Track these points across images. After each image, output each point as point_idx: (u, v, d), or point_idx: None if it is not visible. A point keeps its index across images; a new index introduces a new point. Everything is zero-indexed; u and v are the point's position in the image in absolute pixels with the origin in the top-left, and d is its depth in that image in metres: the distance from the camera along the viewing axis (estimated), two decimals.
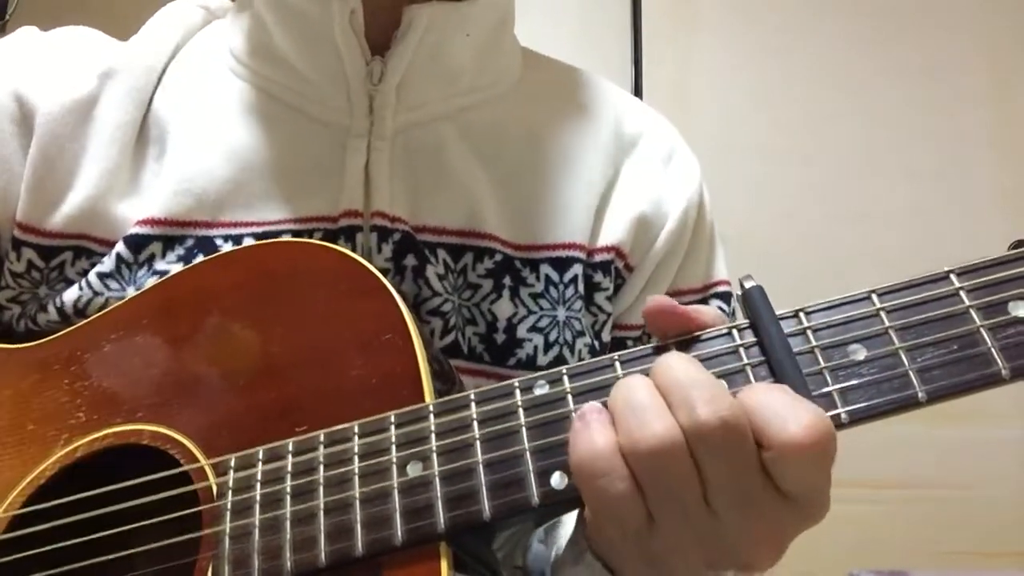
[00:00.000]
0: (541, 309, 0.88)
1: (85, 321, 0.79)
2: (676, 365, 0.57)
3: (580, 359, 0.88)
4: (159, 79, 0.90)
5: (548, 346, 0.87)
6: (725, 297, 0.98)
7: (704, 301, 0.97)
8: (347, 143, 0.87)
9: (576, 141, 0.95)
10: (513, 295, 0.88)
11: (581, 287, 0.90)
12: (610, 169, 0.95)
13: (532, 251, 0.90)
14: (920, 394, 0.55)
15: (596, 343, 0.91)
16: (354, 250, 0.82)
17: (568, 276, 0.89)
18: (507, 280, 0.88)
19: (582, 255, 0.90)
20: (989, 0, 2.47)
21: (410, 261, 0.84)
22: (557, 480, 0.58)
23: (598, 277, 0.91)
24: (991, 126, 2.41)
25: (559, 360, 0.87)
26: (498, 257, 0.88)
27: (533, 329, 0.87)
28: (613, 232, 0.92)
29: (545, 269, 0.89)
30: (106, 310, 0.79)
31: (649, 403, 0.55)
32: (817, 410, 0.53)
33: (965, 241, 2.28)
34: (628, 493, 0.55)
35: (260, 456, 0.65)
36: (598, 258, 0.92)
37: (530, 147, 0.94)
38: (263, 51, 0.90)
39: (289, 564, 0.60)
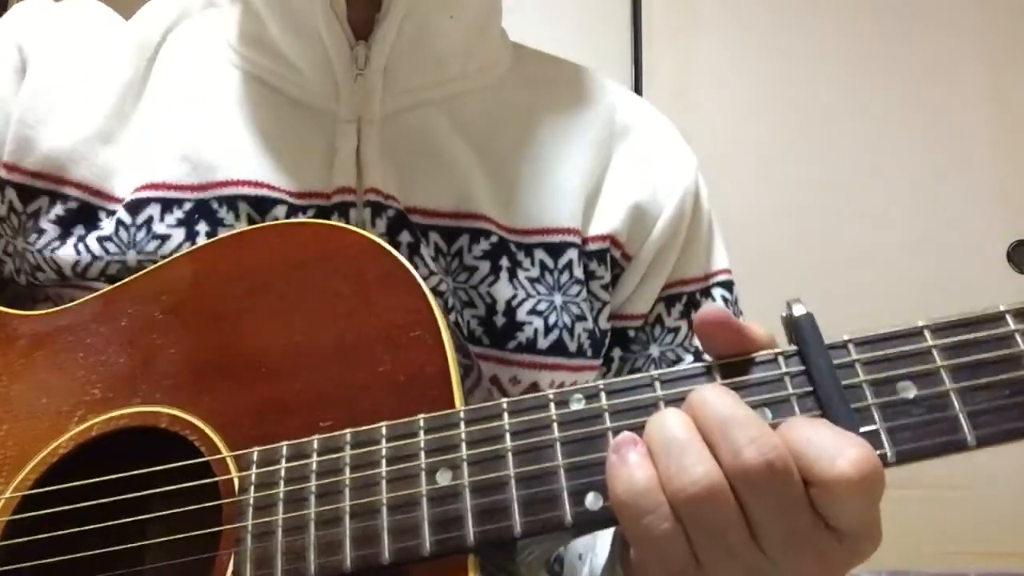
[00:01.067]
0: (539, 293, 0.88)
1: (103, 291, 0.78)
2: (712, 399, 0.55)
3: (579, 344, 0.88)
4: (155, 51, 0.92)
5: (548, 329, 0.87)
6: (727, 286, 0.98)
7: (707, 291, 0.97)
8: (336, 128, 0.87)
9: (568, 127, 0.95)
10: (511, 276, 0.87)
11: (579, 271, 0.90)
12: (603, 156, 0.95)
13: (526, 235, 0.90)
14: (970, 439, 0.54)
15: (596, 328, 0.91)
16: None
17: (563, 262, 0.89)
18: (504, 262, 0.87)
19: (576, 240, 0.90)
20: (989, 0, 2.46)
21: (405, 238, 0.84)
22: (592, 500, 0.57)
23: (593, 266, 0.91)
24: (991, 126, 2.42)
25: (558, 344, 0.87)
26: (493, 239, 0.88)
27: (533, 312, 0.87)
28: (608, 220, 0.92)
29: (539, 255, 0.89)
30: (124, 281, 0.78)
31: (687, 443, 0.54)
32: (863, 444, 0.52)
33: (965, 241, 2.29)
34: (673, 533, 0.54)
35: (284, 452, 0.64)
36: (593, 246, 0.91)
37: (521, 132, 0.94)
38: (255, 39, 0.91)
39: (313, 567, 0.59)
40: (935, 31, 2.46)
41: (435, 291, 0.83)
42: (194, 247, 0.78)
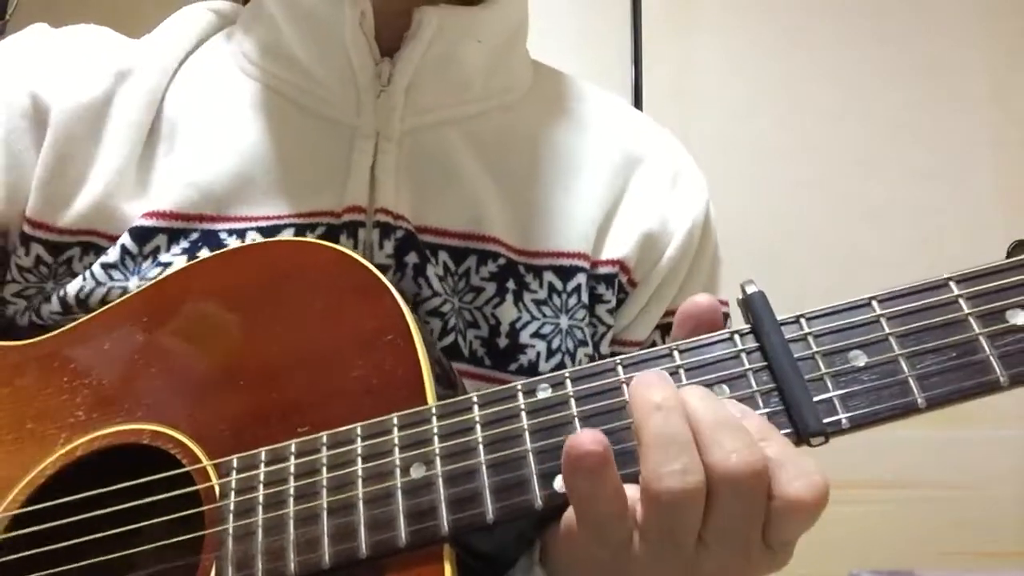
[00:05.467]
0: (544, 316, 0.88)
1: (83, 319, 0.79)
2: (703, 404, 0.57)
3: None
4: (171, 79, 0.91)
5: (551, 353, 0.87)
6: (723, 317, 0.98)
7: None
8: (354, 143, 0.87)
9: (584, 153, 0.95)
10: (517, 299, 0.87)
11: (585, 297, 0.90)
12: (617, 182, 0.95)
13: (536, 257, 0.90)
14: (920, 401, 0.56)
15: (596, 354, 0.91)
16: (356, 246, 0.83)
17: (572, 285, 0.89)
18: (511, 284, 0.88)
19: (586, 265, 0.90)
20: (988, 1, 2.46)
21: (411, 259, 0.84)
22: (560, 483, 0.58)
23: (601, 289, 0.91)
24: (991, 126, 2.41)
25: (560, 368, 0.85)
26: (501, 261, 0.88)
27: (536, 335, 0.87)
28: (618, 246, 0.92)
29: (548, 276, 0.89)
30: (105, 308, 0.79)
31: (686, 442, 0.55)
32: (818, 469, 0.54)
33: (965, 241, 2.29)
34: (626, 528, 0.57)
35: (263, 457, 0.65)
36: (602, 271, 0.91)
37: (537, 156, 0.94)
38: (273, 50, 0.91)
39: (293, 565, 0.61)
40: (935, 31, 2.45)
41: (437, 312, 0.84)
42: (175, 269, 0.79)
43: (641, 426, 0.56)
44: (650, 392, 0.57)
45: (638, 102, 2.40)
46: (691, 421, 0.56)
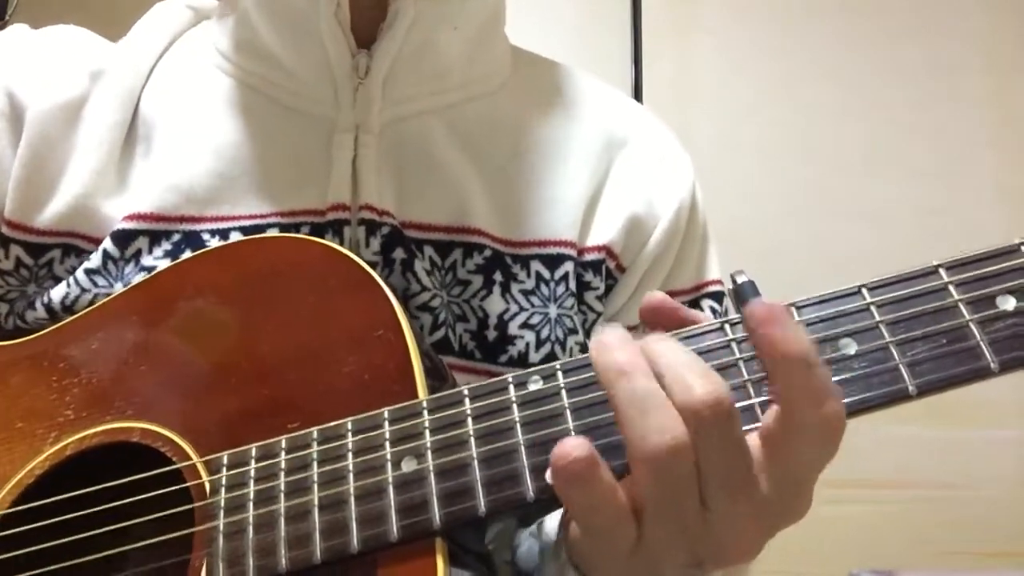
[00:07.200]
0: (532, 306, 0.87)
1: (73, 317, 0.79)
2: (661, 346, 0.56)
3: (571, 357, 0.88)
4: (147, 79, 0.91)
5: (540, 343, 0.87)
6: (717, 297, 0.97)
7: (696, 301, 0.96)
8: (334, 137, 0.86)
9: (566, 139, 0.95)
10: (504, 291, 0.87)
11: (573, 284, 0.89)
12: (601, 167, 0.95)
13: (522, 247, 0.89)
14: (911, 388, 0.55)
15: (587, 341, 0.90)
16: (342, 244, 0.82)
17: (559, 273, 0.89)
18: (497, 276, 0.87)
19: (573, 253, 0.90)
20: (990, 0, 2.46)
21: (399, 254, 0.84)
22: (551, 476, 0.58)
23: (588, 276, 0.91)
24: (991, 126, 2.41)
25: (551, 357, 0.87)
26: (487, 253, 0.87)
27: (525, 326, 0.87)
28: (604, 232, 0.92)
29: (536, 266, 0.89)
30: (94, 306, 0.79)
31: (659, 399, 0.53)
32: (840, 401, 0.53)
33: (965, 241, 2.27)
34: (624, 519, 0.55)
35: (253, 453, 0.65)
36: (589, 257, 0.91)
37: (520, 144, 0.93)
38: (249, 46, 0.90)
39: (284, 561, 0.60)
40: (935, 31, 2.45)
41: (427, 307, 0.84)
42: (161, 269, 0.79)
43: (611, 395, 0.55)
44: (612, 356, 0.56)
45: (638, 102, 2.40)
46: (656, 373, 0.55)
